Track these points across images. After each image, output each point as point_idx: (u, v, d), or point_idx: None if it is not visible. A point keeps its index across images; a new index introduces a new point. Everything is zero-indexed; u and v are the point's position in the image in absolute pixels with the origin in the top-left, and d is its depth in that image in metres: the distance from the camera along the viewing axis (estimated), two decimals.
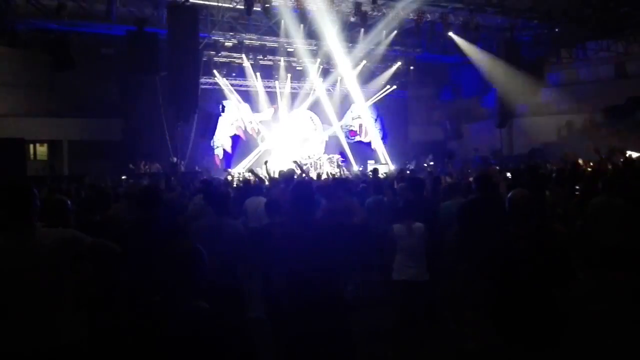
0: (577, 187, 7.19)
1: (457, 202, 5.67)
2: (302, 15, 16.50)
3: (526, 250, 3.17)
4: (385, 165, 22.88)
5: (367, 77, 23.78)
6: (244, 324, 3.99)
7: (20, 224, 2.75)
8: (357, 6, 16.38)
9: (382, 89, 24.26)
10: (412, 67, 23.27)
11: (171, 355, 2.11)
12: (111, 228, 4.30)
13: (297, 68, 22.12)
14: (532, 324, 3.10)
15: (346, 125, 25.12)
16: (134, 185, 8.52)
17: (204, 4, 16.05)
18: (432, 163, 20.52)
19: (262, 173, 11.00)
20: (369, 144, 25.33)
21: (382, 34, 18.81)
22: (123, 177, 13.73)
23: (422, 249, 4.93)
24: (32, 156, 19.22)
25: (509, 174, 9.39)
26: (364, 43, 19.15)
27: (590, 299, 5.28)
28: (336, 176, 14.30)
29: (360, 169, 21.54)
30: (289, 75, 22.24)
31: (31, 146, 19.15)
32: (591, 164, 11.27)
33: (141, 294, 3.02)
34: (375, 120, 25.70)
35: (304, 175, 8.42)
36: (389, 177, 11.48)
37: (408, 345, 4.86)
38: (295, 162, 8.76)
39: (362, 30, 18.27)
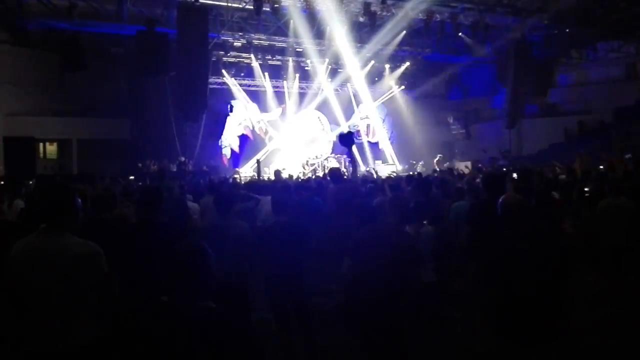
0: (586, 190, 7.14)
1: (469, 203, 5.64)
2: (311, 16, 16.52)
3: (521, 252, 3.19)
4: (392, 165, 22.84)
5: (375, 77, 23.74)
6: (250, 324, 4.01)
7: (54, 227, 2.79)
8: (366, 6, 16.37)
9: (390, 89, 24.21)
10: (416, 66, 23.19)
11: (178, 355, 2.12)
12: (119, 227, 4.32)
13: (306, 68, 22.16)
14: (529, 323, 3.12)
15: (354, 125, 25.09)
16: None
17: (213, 4, 16.11)
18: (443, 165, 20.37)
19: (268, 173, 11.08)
20: (376, 144, 25.29)
21: (391, 34, 18.76)
22: (131, 178, 13.77)
23: (428, 252, 4.92)
24: (41, 155, 19.39)
25: (515, 175, 9.32)
26: (373, 43, 19.12)
27: (598, 300, 5.25)
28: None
29: (368, 169, 21.52)
30: (297, 75, 22.27)
31: (41, 145, 19.32)
32: (601, 167, 11.20)
33: (149, 294, 3.04)
34: (383, 120, 25.65)
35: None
36: (396, 178, 11.46)
37: (416, 347, 4.85)
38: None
39: (371, 30, 18.25)
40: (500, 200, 3.45)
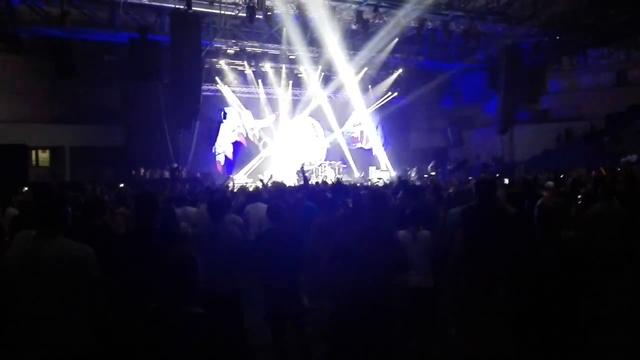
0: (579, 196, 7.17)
1: (461, 208, 5.65)
2: (304, 23, 16.56)
3: (553, 259, 3.09)
4: (386, 172, 22.90)
5: (368, 84, 23.84)
6: (240, 330, 4.00)
7: (46, 232, 2.79)
8: (359, 14, 16.47)
9: (383, 96, 24.32)
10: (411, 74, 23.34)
11: None
12: (108, 234, 4.30)
13: (299, 75, 22.22)
14: (555, 331, 3.03)
15: (347, 132, 25.16)
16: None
17: (206, 11, 16.14)
18: (433, 173, 20.39)
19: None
20: (370, 150, 25.36)
21: (383, 42, 18.85)
22: (121, 185, 13.70)
23: (426, 257, 4.93)
24: (34, 162, 19.27)
25: (506, 180, 9.38)
26: (366, 50, 19.21)
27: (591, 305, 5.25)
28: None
29: (362, 175, 21.59)
30: (291, 82, 22.33)
31: (33, 152, 19.21)
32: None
33: (137, 301, 3.04)
34: (377, 127, 25.73)
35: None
36: (389, 185, 11.48)
37: (411, 351, 4.85)
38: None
39: (364, 37, 18.34)
40: (538, 203, 3.28)
